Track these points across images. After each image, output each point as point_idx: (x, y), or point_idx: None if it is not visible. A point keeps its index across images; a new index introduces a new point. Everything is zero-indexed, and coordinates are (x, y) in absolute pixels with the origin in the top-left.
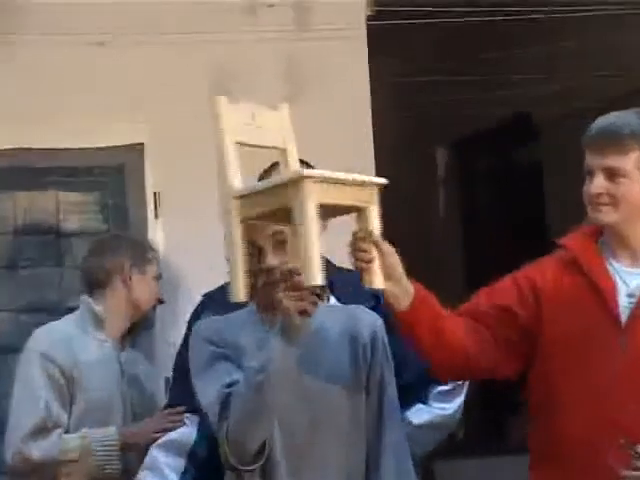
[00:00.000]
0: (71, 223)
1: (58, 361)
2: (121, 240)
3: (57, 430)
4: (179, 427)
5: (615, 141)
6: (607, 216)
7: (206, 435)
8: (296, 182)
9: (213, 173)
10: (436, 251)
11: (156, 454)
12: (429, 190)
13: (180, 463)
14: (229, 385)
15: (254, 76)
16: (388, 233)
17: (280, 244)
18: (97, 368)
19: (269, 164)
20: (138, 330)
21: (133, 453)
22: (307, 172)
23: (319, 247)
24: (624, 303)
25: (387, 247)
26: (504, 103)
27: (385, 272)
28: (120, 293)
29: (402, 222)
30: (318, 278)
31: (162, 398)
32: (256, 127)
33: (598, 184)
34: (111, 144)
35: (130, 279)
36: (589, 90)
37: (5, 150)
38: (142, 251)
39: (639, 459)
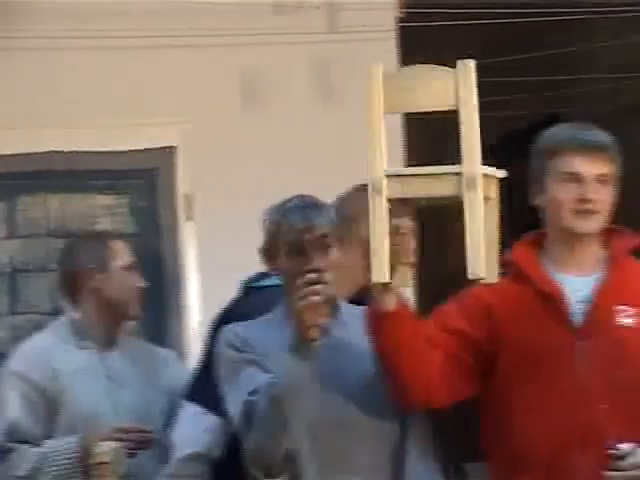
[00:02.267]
0: (103, 226)
1: (34, 380)
2: (77, 243)
3: (21, 447)
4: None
5: (604, 148)
6: (592, 225)
7: (226, 440)
8: (472, 175)
9: (245, 175)
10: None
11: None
12: None
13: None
14: (253, 392)
15: (285, 78)
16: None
17: (297, 252)
18: (79, 377)
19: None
20: (122, 328)
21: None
22: (481, 168)
23: (484, 241)
24: (576, 310)
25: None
26: (538, 104)
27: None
28: (90, 297)
29: (436, 225)
30: (483, 271)
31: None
32: (418, 91)
33: (592, 190)
34: (143, 147)
35: (94, 281)
36: (623, 92)
37: (36, 153)
38: (100, 250)
39: (619, 459)
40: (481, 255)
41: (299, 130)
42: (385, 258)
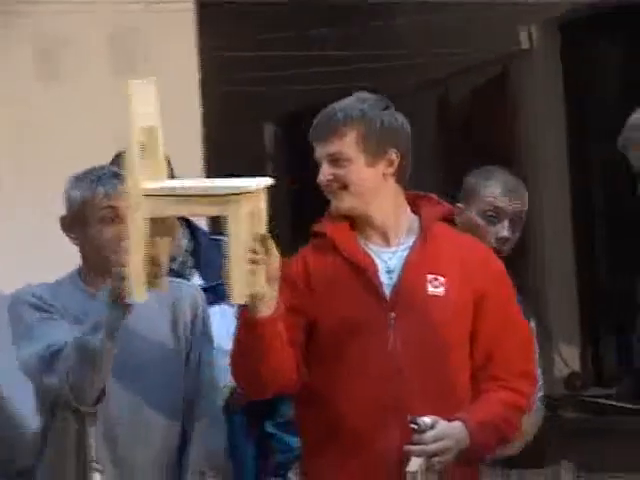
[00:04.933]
0: None
1: None
2: None
3: None
4: None
5: (331, 127)
6: (342, 202)
7: None
8: (238, 196)
9: (32, 155)
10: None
11: None
12: (257, 165)
13: None
14: (52, 346)
15: (81, 47)
16: None
17: (112, 220)
18: None
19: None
20: None
21: None
22: (246, 187)
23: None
24: (385, 280)
25: (275, 250)
26: (337, 79)
27: (267, 275)
28: None
29: None
30: (243, 299)
31: None
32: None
33: (324, 171)
34: None
35: None
36: (409, 70)
37: None
38: None
39: (419, 432)
40: (242, 281)
41: (95, 100)
42: (141, 276)
